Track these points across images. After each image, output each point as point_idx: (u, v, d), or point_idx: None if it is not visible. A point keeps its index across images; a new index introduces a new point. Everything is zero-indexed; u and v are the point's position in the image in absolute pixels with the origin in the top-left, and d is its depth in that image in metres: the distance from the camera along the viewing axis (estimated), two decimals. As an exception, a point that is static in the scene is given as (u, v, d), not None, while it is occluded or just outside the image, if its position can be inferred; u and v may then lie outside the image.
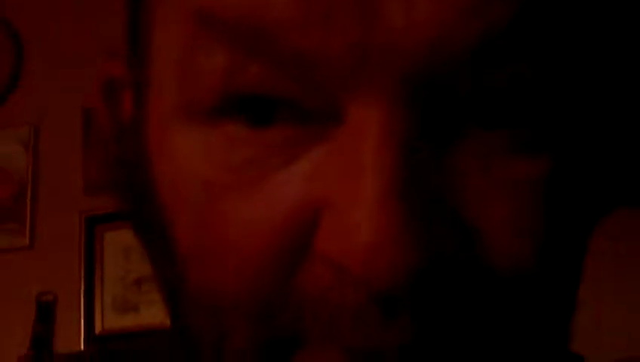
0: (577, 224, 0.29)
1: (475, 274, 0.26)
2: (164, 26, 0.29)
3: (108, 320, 1.95)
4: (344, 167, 0.25)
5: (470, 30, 0.24)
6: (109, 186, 0.35)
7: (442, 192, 0.26)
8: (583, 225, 0.30)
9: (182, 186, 0.28)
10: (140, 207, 0.32)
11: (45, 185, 2.08)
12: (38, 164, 2.11)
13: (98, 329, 1.95)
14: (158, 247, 0.31)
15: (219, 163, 0.27)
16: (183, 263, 0.29)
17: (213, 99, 0.27)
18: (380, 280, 0.24)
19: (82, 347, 1.94)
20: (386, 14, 0.24)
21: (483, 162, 0.26)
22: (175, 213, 0.29)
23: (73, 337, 1.95)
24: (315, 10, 0.24)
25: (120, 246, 1.96)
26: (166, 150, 0.29)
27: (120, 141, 0.35)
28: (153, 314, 1.89)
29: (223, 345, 0.28)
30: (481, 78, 0.25)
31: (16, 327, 1.96)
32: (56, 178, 2.07)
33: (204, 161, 0.28)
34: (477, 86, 0.25)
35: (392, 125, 0.25)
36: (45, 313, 1.98)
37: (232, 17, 0.25)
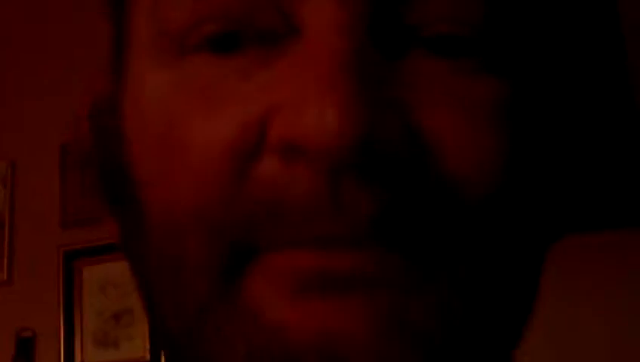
0: (538, 162, 0.30)
1: (427, 177, 0.27)
2: None
3: (88, 355, 1.93)
4: (299, 67, 0.27)
5: None
6: (84, 161, 0.36)
7: (394, 96, 0.27)
8: (544, 167, 0.31)
9: (149, 121, 0.30)
10: (112, 173, 0.33)
11: (23, 220, 2.08)
12: (15, 199, 2.10)
13: (78, 364, 1.94)
14: (129, 214, 0.32)
15: (183, 89, 0.29)
16: (146, 203, 0.30)
17: (184, 26, 0.29)
18: (330, 149, 0.25)
19: (62, 383, 1.93)
20: None
21: (436, 78, 0.28)
22: (142, 160, 0.30)
23: (53, 373, 1.93)
24: None
25: (98, 280, 1.95)
26: (138, 95, 0.31)
27: (96, 115, 0.36)
28: (133, 348, 1.88)
29: (182, 265, 0.29)
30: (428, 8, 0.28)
31: (-5, 364, 1.94)
32: (34, 213, 2.06)
33: (170, 91, 0.30)
34: (424, 15, 0.28)
35: (343, 23, 0.27)
36: (25, 349, 1.96)
37: None
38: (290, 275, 0.27)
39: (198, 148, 0.28)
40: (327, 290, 0.27)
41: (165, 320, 0.30)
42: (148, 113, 0.30)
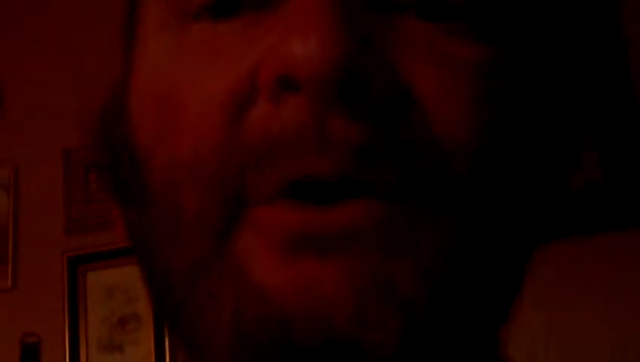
0: (526, 134, 0.30)
1: (410, 123, 0.27)
2: None
3: (93, 360, 1.94)
4: (288, 16, 0.28)
5: None
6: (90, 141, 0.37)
7: (380, 43, 0.28)
8: (533, 141, 0.31)
9: (150, 87, 0.31)
10: (118, 160, 0.34)
11: (27, 227, 2.08)
12: (18, 205, 2.10)
13: (83, 369, 1.94)
14: (135, 195, 0.32)
15: (182, 52, 0.30)
16: (151, 179, 0.30)
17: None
18: (315, 74, 0.26)
19: (68, 388, 1.93)
20: None
21: (424, 39, 0.29)
22: (143, 127, 0.31)
23: (58, 379, 1.93)
24: None
25: (103, 286, 1.96)
26: (142, 68, 0.32)
27: (107, 110, 0.36)
28: (138, 353, 1.88)
29: (179, 225, 0.29)
30: None
31: (0, 370, 1.95)
32: (38, 219, 2.06)
33: (170, 55, 0.31)
34: None
35: None
36: (30, 355, 1.96)
37: None
38: (279, 232, 0.27)
39: (195, 104, 0.29)
40: (317, 249, 0.27)
41: (165, 290, 0.30)
42: (149, 80, 0.31)
